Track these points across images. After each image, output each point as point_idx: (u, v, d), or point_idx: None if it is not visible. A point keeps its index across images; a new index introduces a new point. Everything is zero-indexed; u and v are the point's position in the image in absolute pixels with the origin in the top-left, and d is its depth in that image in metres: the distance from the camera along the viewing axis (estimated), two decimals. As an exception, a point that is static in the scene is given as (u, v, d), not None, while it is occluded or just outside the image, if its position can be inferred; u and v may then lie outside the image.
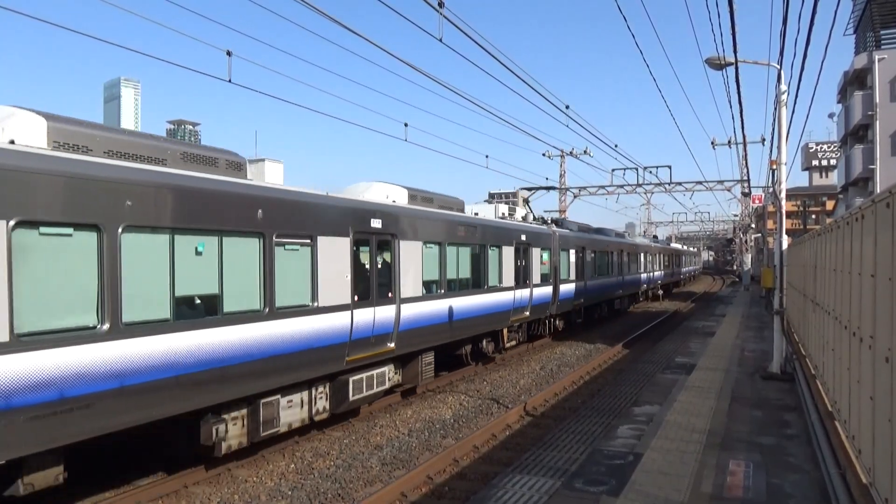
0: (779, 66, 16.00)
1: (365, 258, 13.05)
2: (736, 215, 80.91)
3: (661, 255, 50.22)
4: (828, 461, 8.49)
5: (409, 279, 14.29)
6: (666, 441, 10.05)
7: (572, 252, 26.14)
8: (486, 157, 29.64)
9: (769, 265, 21.36)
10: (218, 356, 9.56)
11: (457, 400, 15.97)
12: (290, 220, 10.87)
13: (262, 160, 11.71)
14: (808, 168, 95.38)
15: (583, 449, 10.99)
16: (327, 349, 11.69)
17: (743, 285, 55.34)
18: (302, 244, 11.20)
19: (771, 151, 22.54)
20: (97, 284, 8.04)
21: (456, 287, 16.44)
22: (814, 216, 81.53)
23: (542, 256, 22.75)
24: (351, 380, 12.68)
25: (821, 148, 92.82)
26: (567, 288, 25.31)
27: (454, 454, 11.59)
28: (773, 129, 18.49)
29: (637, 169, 43.84)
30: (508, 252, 19.94)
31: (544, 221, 26.54)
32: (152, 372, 8.57)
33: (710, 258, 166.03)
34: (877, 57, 38.37)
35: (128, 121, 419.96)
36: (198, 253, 9.42)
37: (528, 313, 21.50)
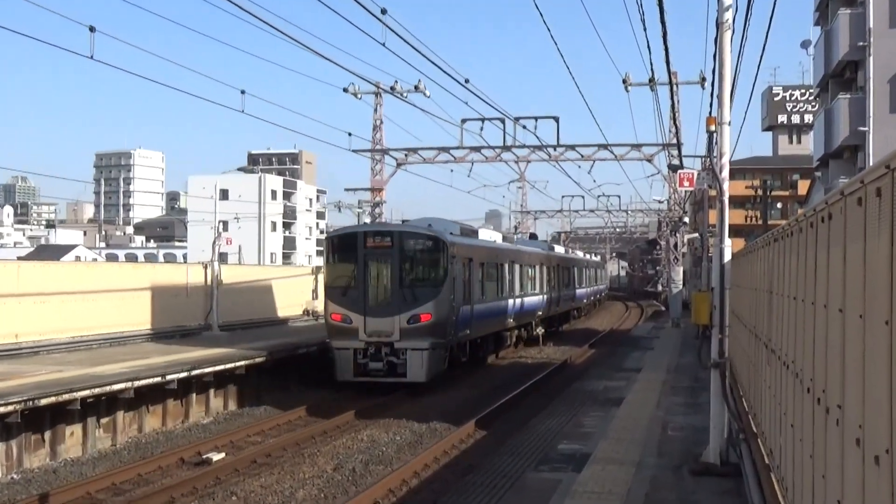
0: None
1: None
2: (661, 202, 52.68)
3: (532, 269, 33.96)
4: None
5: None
6: None
7: None
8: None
9: (707, 288, 16.05)
10: (526, 308, 31.07)
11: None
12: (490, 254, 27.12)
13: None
14: (771, 127, 66.77)
15: None
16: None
17: (671, 318, 40.64)
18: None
19: (712, 101, 15.32)
20: (508, 281, 28.59)
21: None
22: (779, 204, 59.18)
23: None
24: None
25: (790, 95, 64.76)
26: None
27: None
28: (715, 65, 12.35)
29: (503, 120, 29.54)
30: None
31: None
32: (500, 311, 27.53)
33: (622, 271, 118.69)
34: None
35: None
36: (511, 272, 29.07)
37: None
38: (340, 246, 22.03)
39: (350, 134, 31.46)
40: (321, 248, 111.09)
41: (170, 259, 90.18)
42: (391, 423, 18.08)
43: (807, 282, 6.80)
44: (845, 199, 4.92)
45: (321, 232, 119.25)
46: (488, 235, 29.74)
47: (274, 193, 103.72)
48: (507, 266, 28.29)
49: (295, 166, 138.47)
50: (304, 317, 32.48)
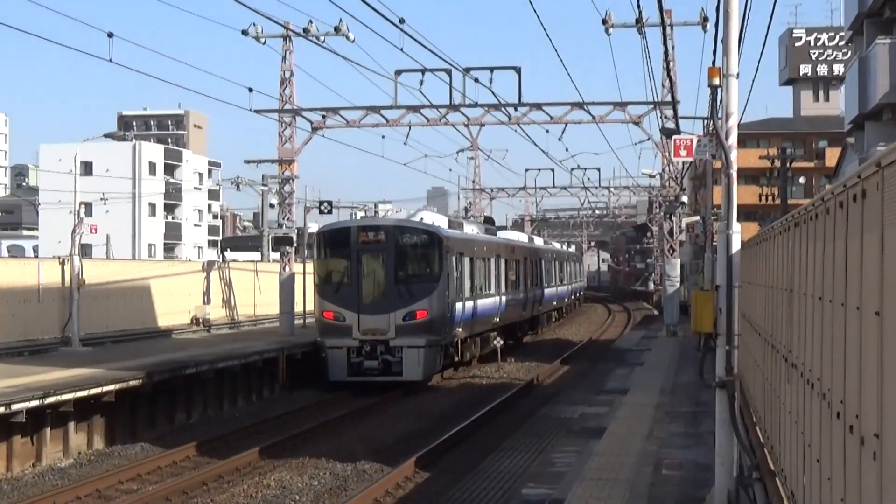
0: None
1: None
2: (652, 176, 53.85)
3: (516, 265, 38.80)
4: None
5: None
6: None
7: None
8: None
9: (710, 286, 17.17)
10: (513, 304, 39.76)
11: None
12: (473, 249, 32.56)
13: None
14: (791, 80, 68.74)
15: None
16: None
17: (665, 325, 41.87)
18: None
19: (716, 47, 15.51)
20: (495, 276, 35.52)
21: None
22: (802, 178, 60.37)
23: None
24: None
25: (815, 40, 66.86)
26: None
27: None
28: (720, 1, 12.47)
29: (450, 72, 30.36)
30: None
31: None
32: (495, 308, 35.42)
33: (604, 264, 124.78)
34: None
35: None
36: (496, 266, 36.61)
37: None
38: (332, 241, 26.50)
39: (251, 90, 30.79)
40: (214, 238, 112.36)
41: (16, 253, 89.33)
42: (306, 464, 18.47)
43: (835, 277, 6.77)
44: (882, 171, 4.93)
45: (214, 216, 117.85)
46: (471, 228, 35.45)
47: (153, 167, 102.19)
48: (493, 261, 33.86)
49: (180, 132, 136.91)
50: (194, 326, 32.03)
